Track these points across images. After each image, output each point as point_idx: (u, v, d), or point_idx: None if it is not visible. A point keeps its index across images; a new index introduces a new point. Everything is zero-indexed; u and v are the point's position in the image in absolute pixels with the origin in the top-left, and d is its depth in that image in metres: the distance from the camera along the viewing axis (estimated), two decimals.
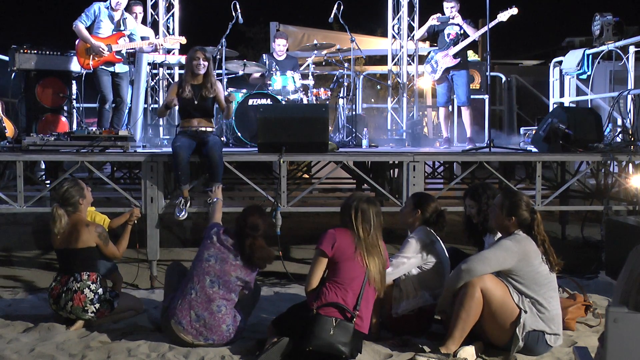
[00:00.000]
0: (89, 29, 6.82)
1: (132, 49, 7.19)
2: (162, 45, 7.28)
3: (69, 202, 4.36)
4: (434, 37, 8.02)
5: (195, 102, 5.49)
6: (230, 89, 7.44)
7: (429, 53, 8.19)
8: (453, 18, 7.74)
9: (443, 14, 7.84)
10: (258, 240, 3.99)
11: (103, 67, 6.88)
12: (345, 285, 3.64)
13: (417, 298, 4.03)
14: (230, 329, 3.88)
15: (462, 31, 7.72)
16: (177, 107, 5.66)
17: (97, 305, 4.23)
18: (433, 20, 7.88)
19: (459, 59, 7.73)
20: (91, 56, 6.79)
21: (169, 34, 8.72)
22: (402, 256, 4.04)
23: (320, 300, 3.62)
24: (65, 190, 4.37)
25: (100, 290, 4.26)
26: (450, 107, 8.46)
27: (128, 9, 7.31)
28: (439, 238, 4.19)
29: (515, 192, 3.94)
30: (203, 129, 5.50)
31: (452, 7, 7.74)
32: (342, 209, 3.81)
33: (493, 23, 7.30)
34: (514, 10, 7.35)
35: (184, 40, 7.44)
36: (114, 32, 6.91)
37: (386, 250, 3.87)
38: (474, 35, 7.68)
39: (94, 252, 4.33)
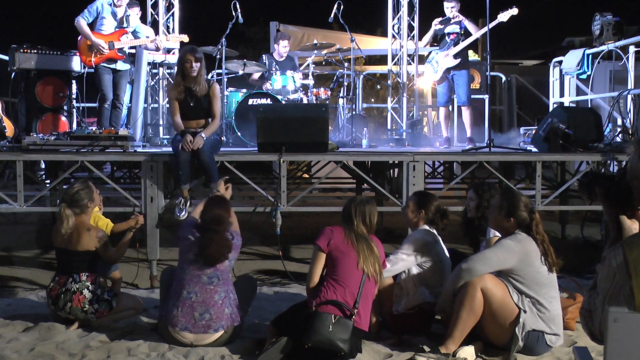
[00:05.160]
0: (92, 25, 6.76)
1: (134, 46, 7.17)
2: (161, 42, 7.24)
3: (77, 204, 4.34)
4: (438, 40, 8.00)
5: (191, 104, 5.48)
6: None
7: (429, 53, 8.18)
8: (454, 18, 7.74)
9: (443, 14, 7.84)
10: (219, 235, 3.86)
11: (104, 64, 6.81)
12: (344, 283, 3.67)
13: (416, 295, 4.05)
14: (232, 311, 3.89)
15: (462, 31, 7.71)
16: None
17: (96, 306, 4.24)
18: (436, 26, 7.86)
19: (460, 59, 7.73)
20: (93, 53, 6.73)
21: (170, 33, 8.71)
22: (401, 253, 4.08)
23: (319, 298, 3.65)
24: (75, 192, 4.34)
25: (98, 291, 4.27)
26: (450, 106, 8.46)
27: None
28: (439, 238, 4.20)
29: (513, 193, 3.92)
30: (201, 129, 5.47)
31: (452, 7, 7.73)
32: (344, 207, 3.94)
33: (493, 23, 7.29)
34: (514, 11, 7.34)
35: (186, 38, 7.40)
36: (117, 29, 6.85)
37: (382, 247, 3.90)
38: (476, 33, 7.66)
39: (93, 255, 4.33)
